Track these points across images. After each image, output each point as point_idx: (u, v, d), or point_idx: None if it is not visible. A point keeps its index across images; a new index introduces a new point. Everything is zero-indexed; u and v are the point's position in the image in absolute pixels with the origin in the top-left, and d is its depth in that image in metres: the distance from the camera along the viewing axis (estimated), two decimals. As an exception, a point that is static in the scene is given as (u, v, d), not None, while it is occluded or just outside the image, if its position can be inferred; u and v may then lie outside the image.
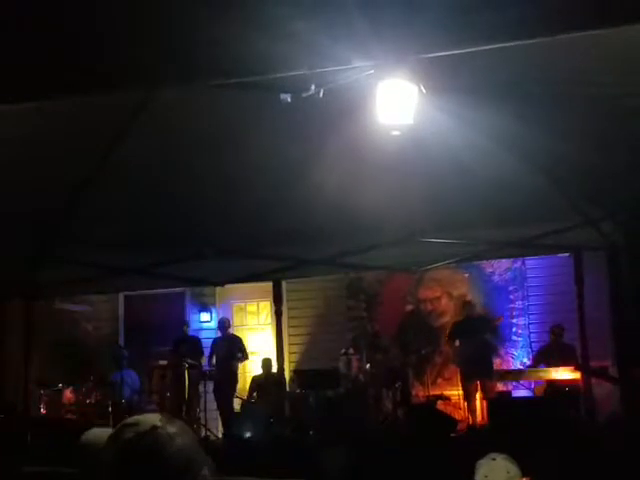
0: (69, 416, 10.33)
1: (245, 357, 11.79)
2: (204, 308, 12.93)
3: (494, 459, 3.26)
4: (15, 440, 8.21)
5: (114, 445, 1.79)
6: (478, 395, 10.49)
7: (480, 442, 7.76)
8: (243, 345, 11.82)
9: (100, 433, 1.86)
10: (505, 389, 10.78)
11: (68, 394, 10.63)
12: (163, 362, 11.52)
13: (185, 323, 12.30)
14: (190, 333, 12.22)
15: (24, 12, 3.01)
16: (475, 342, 10.41)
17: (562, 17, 2.68)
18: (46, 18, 3.13)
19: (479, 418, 10.40)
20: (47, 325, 11.11)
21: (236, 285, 10.05)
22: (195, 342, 11.84)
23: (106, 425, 9.33)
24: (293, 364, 12.00)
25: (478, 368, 10.30)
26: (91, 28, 3.17)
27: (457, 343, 10.79)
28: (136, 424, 1.80)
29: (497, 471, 3.20)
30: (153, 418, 1.82)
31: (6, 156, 5.38)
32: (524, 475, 3.27)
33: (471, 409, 10.45)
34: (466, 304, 11.16)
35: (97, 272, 8.26)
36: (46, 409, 10.46)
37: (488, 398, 9.98)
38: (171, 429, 1.79)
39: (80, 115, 4.86)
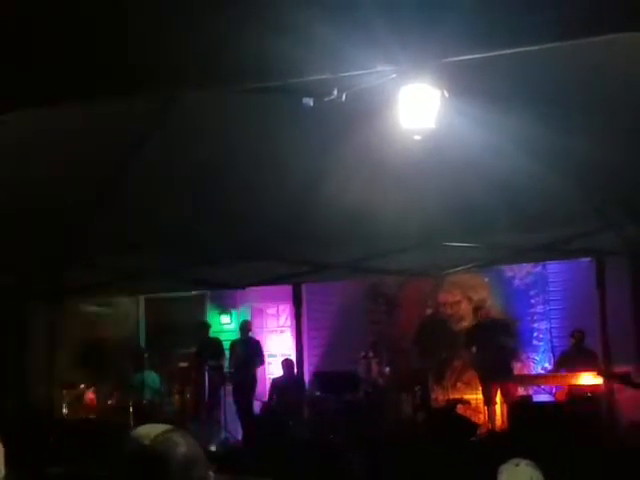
0: (91, 417, 10.42)
1: (261, 362, 11.81)
2: (224, 311, 12.97)
3: (517, 465, 3.24)
4: (38, 441, 8.27)
5: (118, 458, 1.84)
6: (498, 399, 10.45)
7: (500, 447, 7.73)
8: (261, 350, 11.84)
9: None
10: (526, 394, 10.72)
11: (90, 395, 10.72)
12: (184, 364, 11.57)
13: (206, 325, 12.32)
14: (210, 335, 12.25)
15: (57, 14, 3.04)
16: (491, 346, 10.38)
17: (590, 19, 2.67)
18: (69, 21, 3.15)
19: (499, 422, 10.35)
20: (69, 327, 11.19)
21: (256, 288, 10.06)
22: (216, 344, 11.87)
23: (126, 426, 9.39)
24: (312, 367, 12.01)
25: (495, 372, 10.26)
26: (114, 30, 3.19)
27: (474, 349, 10.74)
28: (140, 436, 1.83)
29: (520, 477, 3.19)
30: (157, 429, 1.85)
31: (30, 158, 5.43)
32: (547, 481, 3.26)
33: (491, 413, 10.41)
34: (477, 310, 11.15)
35: (119, 275, 8.30)
36: (68, 410, 10.55)
37: (508, 402, 9.94)
38: (175, 440, 1.83)
39: (104, 117, 4.90)
